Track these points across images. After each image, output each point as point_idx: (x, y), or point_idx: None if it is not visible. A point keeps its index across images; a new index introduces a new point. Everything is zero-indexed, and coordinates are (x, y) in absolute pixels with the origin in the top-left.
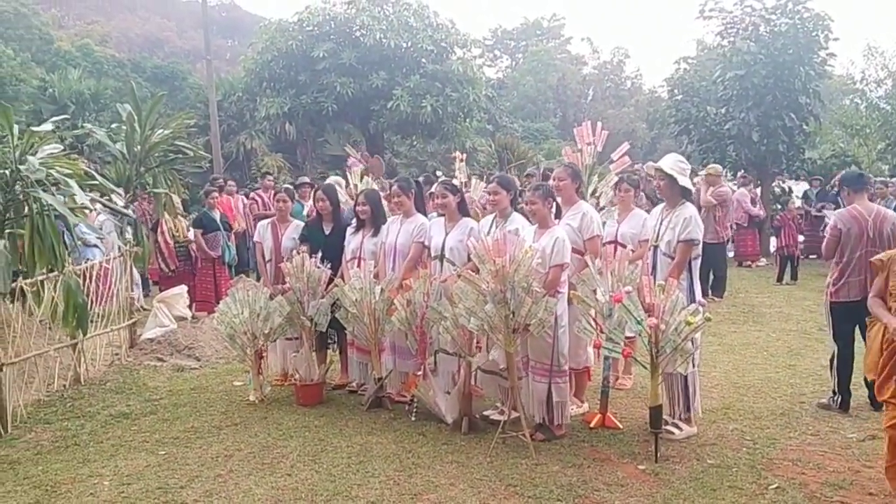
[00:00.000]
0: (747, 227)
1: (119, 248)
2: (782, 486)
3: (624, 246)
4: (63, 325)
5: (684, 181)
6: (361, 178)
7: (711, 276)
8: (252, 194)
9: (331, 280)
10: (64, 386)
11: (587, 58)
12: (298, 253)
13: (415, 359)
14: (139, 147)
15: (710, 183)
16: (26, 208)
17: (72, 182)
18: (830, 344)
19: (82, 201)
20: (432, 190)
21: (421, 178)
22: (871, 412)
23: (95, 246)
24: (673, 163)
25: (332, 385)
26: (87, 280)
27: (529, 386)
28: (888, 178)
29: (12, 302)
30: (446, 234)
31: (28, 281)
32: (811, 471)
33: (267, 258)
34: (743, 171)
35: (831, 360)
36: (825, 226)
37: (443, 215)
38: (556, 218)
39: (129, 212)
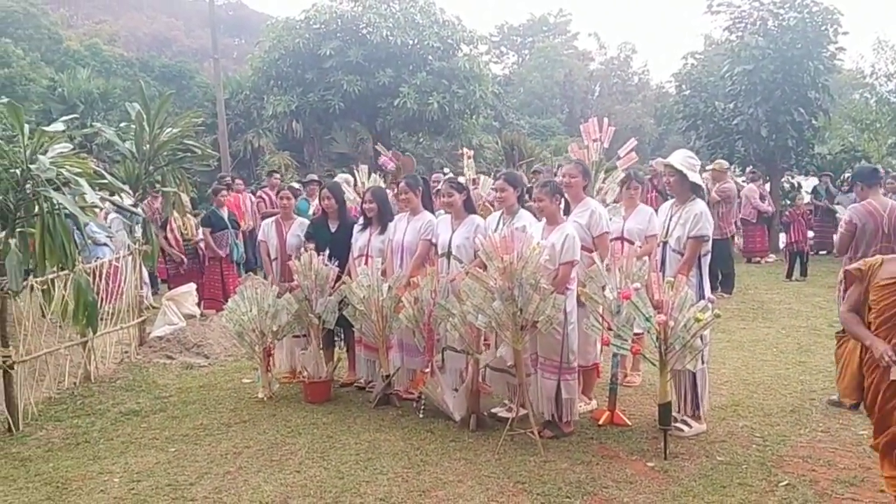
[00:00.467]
0: (756, 223)
1: (128, 246)
2: (792, 483)
3: (631, 242)
4: (73, 323)
5: (694, 177)
6: (369, 175)
7: (719, 273)
8: (259, 192)
9: (338, 277)
10: (74, 383)
11: (594, 53)
12: (306, 250)
13: (422, 356)
14: (148, 146)
15: (716, 179)
16: (37, 207)
17: (82, 181)
18: None
19: (92, 200)
20: (439, 187)
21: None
22: None
23: (105, 245)
24: (683, 158)
25: (340, 383)
26: (97, 278)
27: (538, 382)
28: None
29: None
30: (453, 231)
31: (39, 279)
32: (821, 468)
33: (273, 256)
34: (751, 166)
35: None
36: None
37: (449, 213)
38: (564, 214)
39: (139, 210)
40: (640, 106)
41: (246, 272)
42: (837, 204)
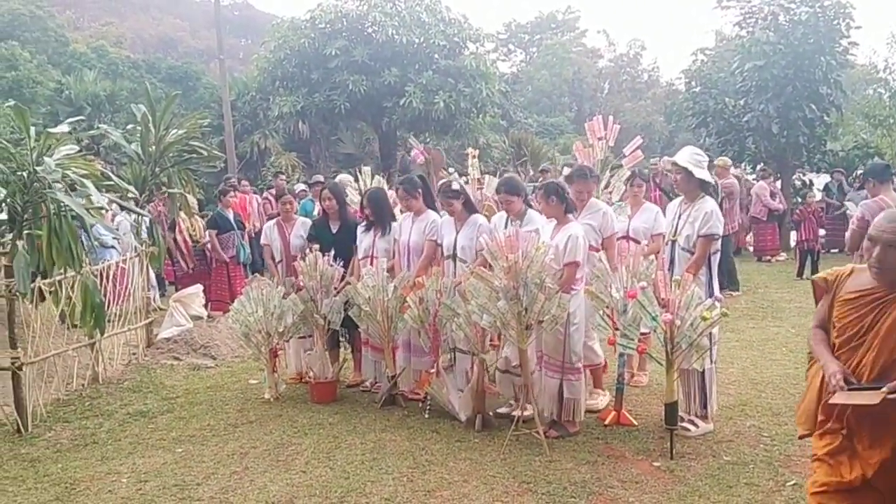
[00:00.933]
0: (766, 221)
1: (135, 248)
2: (800, 483)
3: (637, 241)
4: (81, 324)
5: (701, 173)
6: (372, 177)
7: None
8: (266, 193)
9: (342, 278)
10: (82, 385)
11: (603, 51)
12: (311, 251)
13: (428, 356)
14: (154, 147)
15: (719, 175)
16: (44, 209)
17: (88, 183)
18: None
19: (98, 202)
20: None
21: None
22: None
23: (112, 247)
24: (688, 156)
25: (346, 383)
26: (105, 280)
27: (542, 381)
28: None
29: (31, 302)
30: (457, 232)
31: (46, 281)
32: None
33: (277, 258)
34: (762, 163)
35: None
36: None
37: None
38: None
39: (145, 212)
40: (650, 103)
41: (252, 273)
42: (848, 201)
